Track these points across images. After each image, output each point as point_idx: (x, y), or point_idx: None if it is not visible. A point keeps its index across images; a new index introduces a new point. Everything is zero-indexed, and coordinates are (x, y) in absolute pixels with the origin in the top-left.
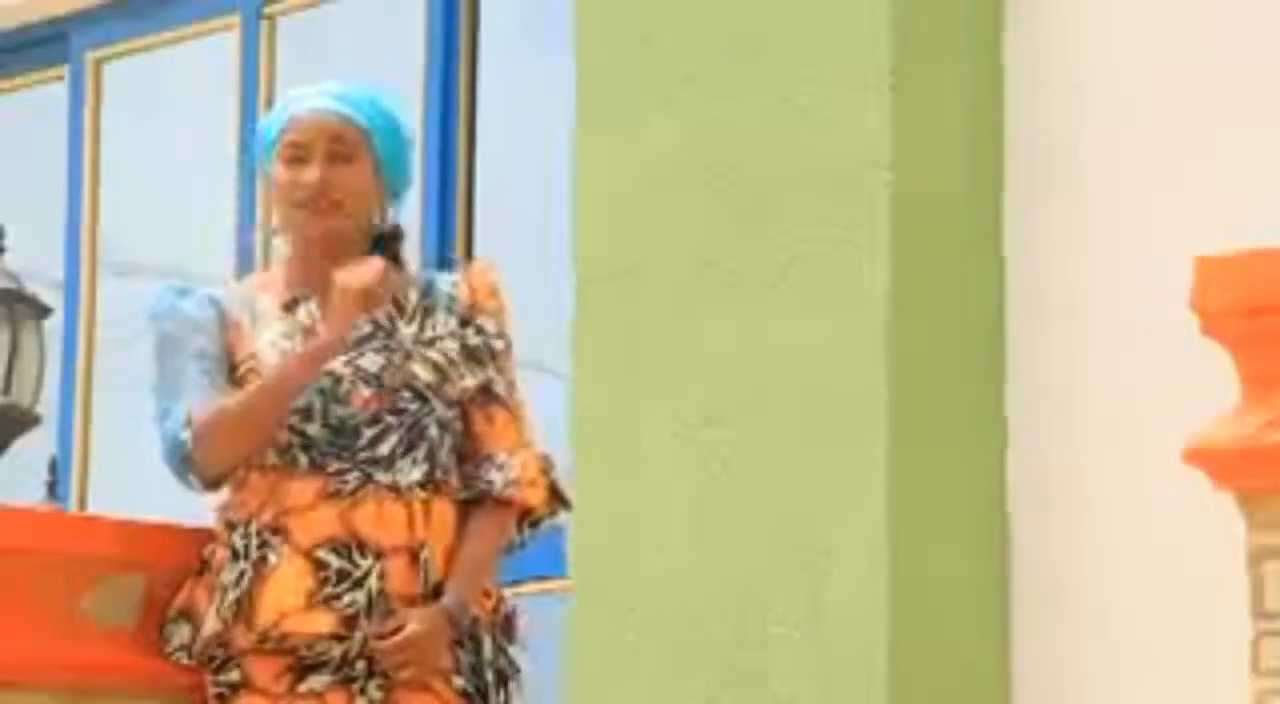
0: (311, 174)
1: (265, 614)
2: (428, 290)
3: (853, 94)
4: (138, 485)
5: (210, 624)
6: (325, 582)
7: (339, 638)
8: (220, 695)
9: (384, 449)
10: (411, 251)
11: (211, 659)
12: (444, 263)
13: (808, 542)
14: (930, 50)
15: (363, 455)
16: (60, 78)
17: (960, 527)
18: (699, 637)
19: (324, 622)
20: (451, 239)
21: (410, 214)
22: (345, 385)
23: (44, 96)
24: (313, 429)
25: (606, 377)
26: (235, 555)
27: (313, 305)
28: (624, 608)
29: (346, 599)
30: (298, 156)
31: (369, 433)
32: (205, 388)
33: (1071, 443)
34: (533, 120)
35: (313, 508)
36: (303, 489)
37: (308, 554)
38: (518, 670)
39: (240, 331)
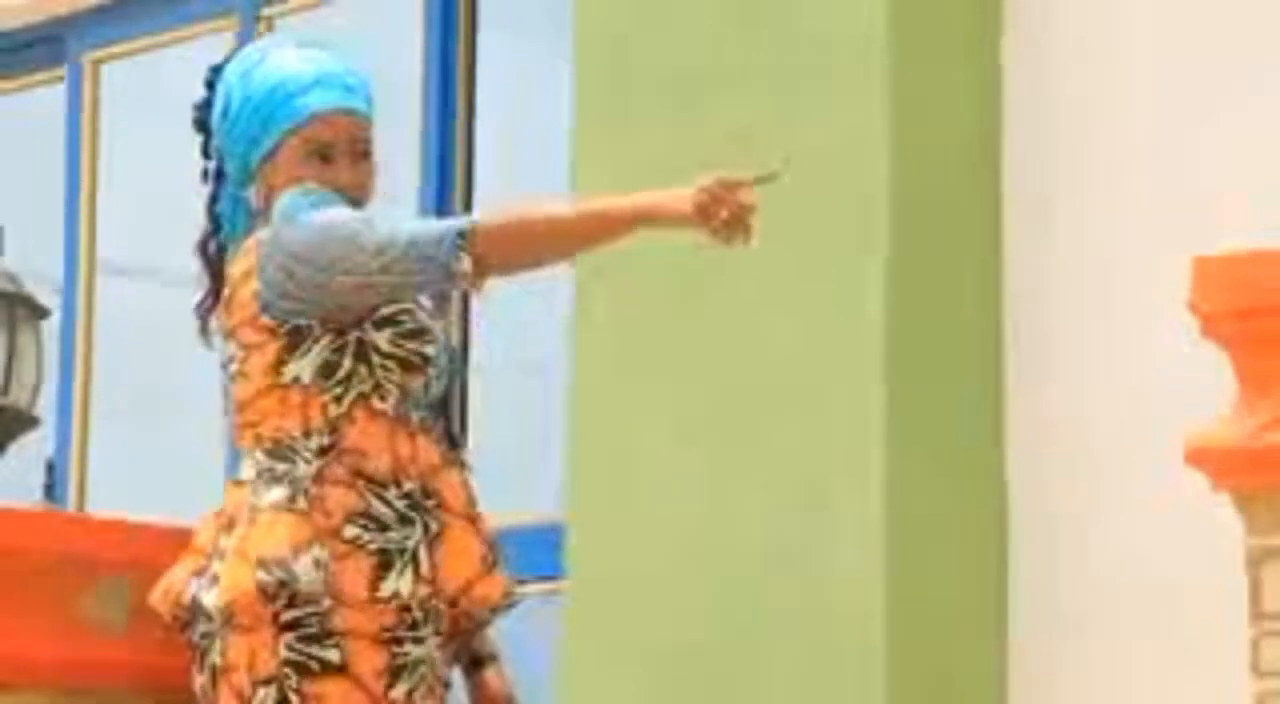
0: (340, 178)
1: (451, 580)
2: None
3: (852, 94)
4: (135, 487)
5: (409, 582)
6: (489, 546)
7: (419, 640)
8: (304, 667)
9: (455, 426)
10: None
11: (304, 623)
12: None
13: (805, 543)
14: (929, 51)
15: (444, 428)
16: (58, 79)
17: (958, 527)
18: (697, 638)
19: (498, 587)
20: None
21: (409, 214)
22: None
23: (42, 98)
24: (435, 388)
25: (604, 377)
26: (382, 517)
27: None
28: (621, 609)
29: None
30: (323, 157)
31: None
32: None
33: (1070, 444)
34: (531, 121)
35: (446, 470)
36: (428, 448)
37: (464, 516)
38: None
39: None
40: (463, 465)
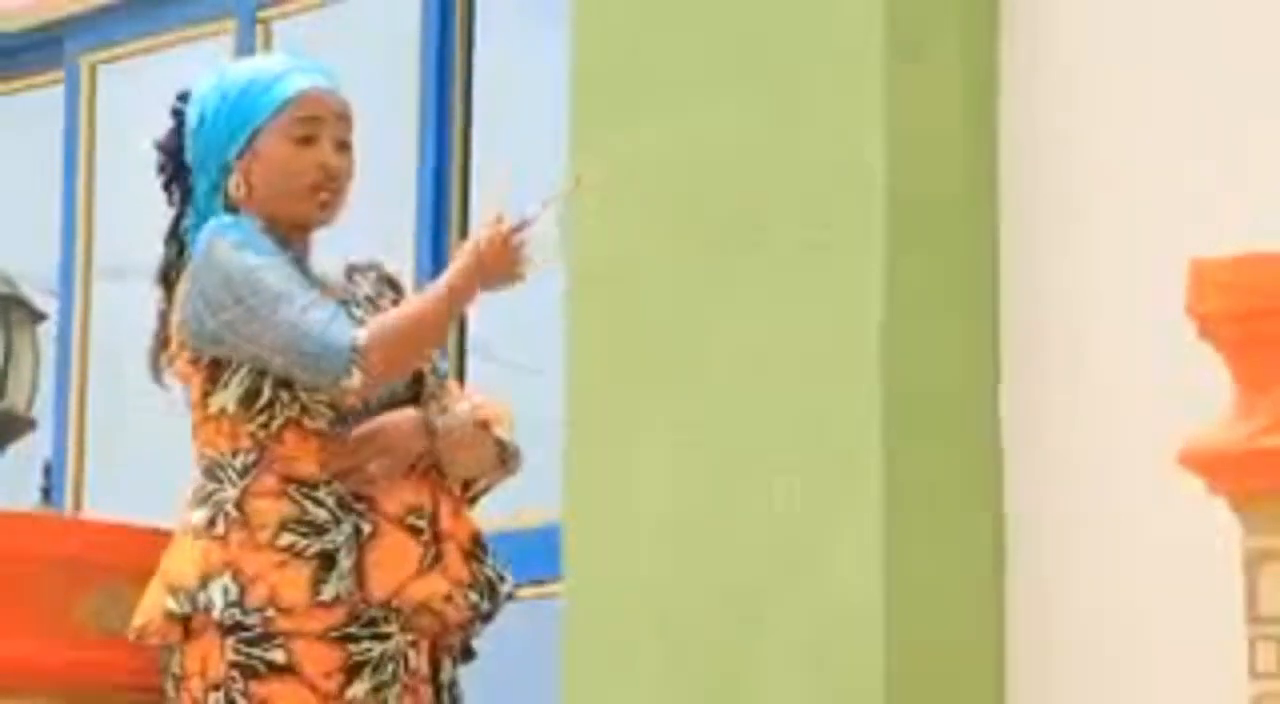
0: (327, 159)
1: (381, 585)
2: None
3: (848, 95)
4: (132, 490)
5: (280, 591)
6: (428, 546)
7: (381, 637)
8: (250, 669)
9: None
10: (409, 252)
11: (245, 626)
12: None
13: (804, 544)
14: (926, 51)
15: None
16: (56, 81)
17: (956, 528)
18: (695, 639)
19: (440, 584)
20: (446, 240)
21: (406, 215)
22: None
23: (39, 100)
24: (381, 394)
25: (601, 377)
26: (316, 519)
27: (320, 262)
28: (620, 610)
29: (445, 562)
30: (307, 136)
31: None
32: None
33: (1067, 445)
34: (528, 122)
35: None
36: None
37: (400, 522)
38: (461, 695)
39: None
40: (428, 469)
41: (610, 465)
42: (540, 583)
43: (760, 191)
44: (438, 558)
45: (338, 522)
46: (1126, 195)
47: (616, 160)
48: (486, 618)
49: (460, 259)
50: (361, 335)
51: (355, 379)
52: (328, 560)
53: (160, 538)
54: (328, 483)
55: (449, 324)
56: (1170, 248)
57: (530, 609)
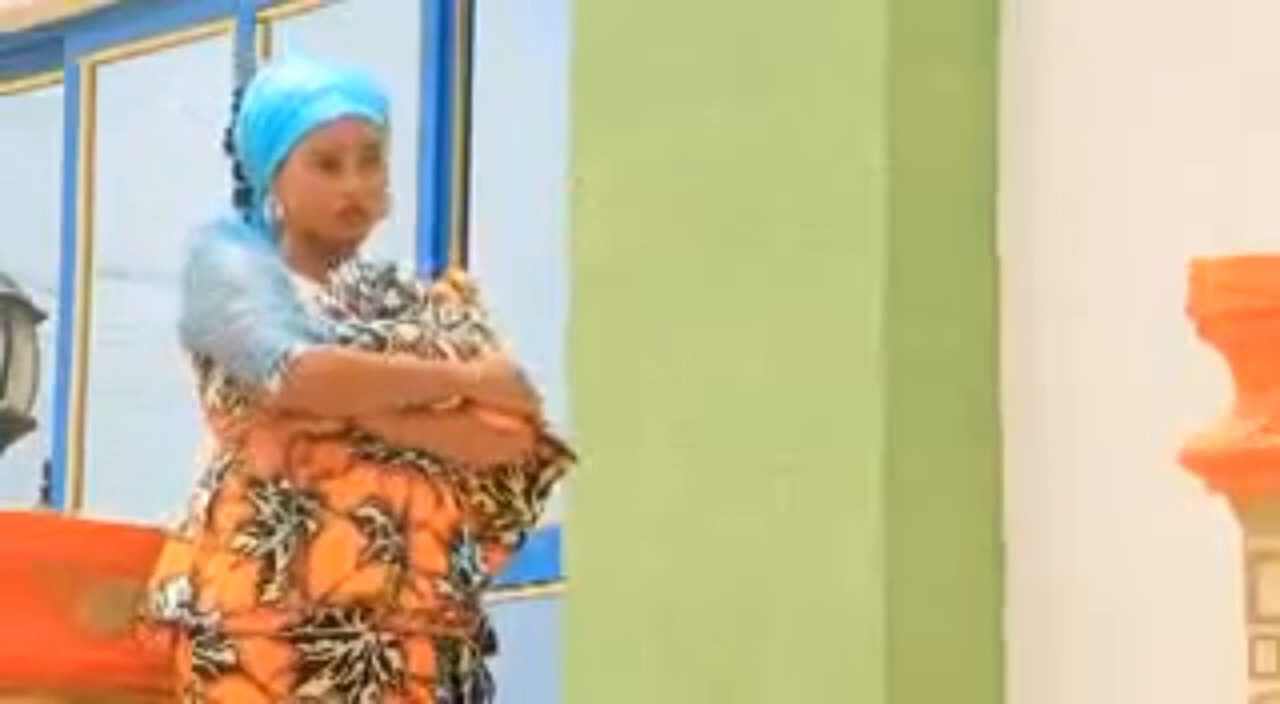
0: (349, 185)
1: (319, 582)
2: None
3: (849, 96)
4: (132, 489)
5: (226, 592)
6: (373, 536)
7: (344, 636)
8: (202, 670)
9: None
10: (408, 253)
11: (203, 628)
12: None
13: (804, 543)
14: (926, 52)
15: None
16: (56, 82)
17: (956, 528)
18: (695, 639)
19: (375, 578)
20: (446, 242)
21: (406, 217)
22: (388, 349)
23: (39, 101)
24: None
25: (602, 377)
26: (266, 520)
27: (354, 268)
28: (621, 610)
29: (391, 553)
30: (330, 164)
31: None
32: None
33: (1067, 445)
34: (528, 123)
35: (348, 471)
36: (333, 451)
37: (350, 516)
38: (493, 687)
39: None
40: (387, 465)
41: (610, 465)
42: (541, 583)
43: (760, 191)
44: (401, 549)
45: (279, 521)
46: (1126, 195)
47: (617, 161)
48: (465, 606)
49: (489, 365)
50: (300, 348)
51: (274, 384)
52: (272, 561)
53: (161, 538)
54: (276, 482)
55: (412, 393)
56: (1170, 248)
57: (531, 609)
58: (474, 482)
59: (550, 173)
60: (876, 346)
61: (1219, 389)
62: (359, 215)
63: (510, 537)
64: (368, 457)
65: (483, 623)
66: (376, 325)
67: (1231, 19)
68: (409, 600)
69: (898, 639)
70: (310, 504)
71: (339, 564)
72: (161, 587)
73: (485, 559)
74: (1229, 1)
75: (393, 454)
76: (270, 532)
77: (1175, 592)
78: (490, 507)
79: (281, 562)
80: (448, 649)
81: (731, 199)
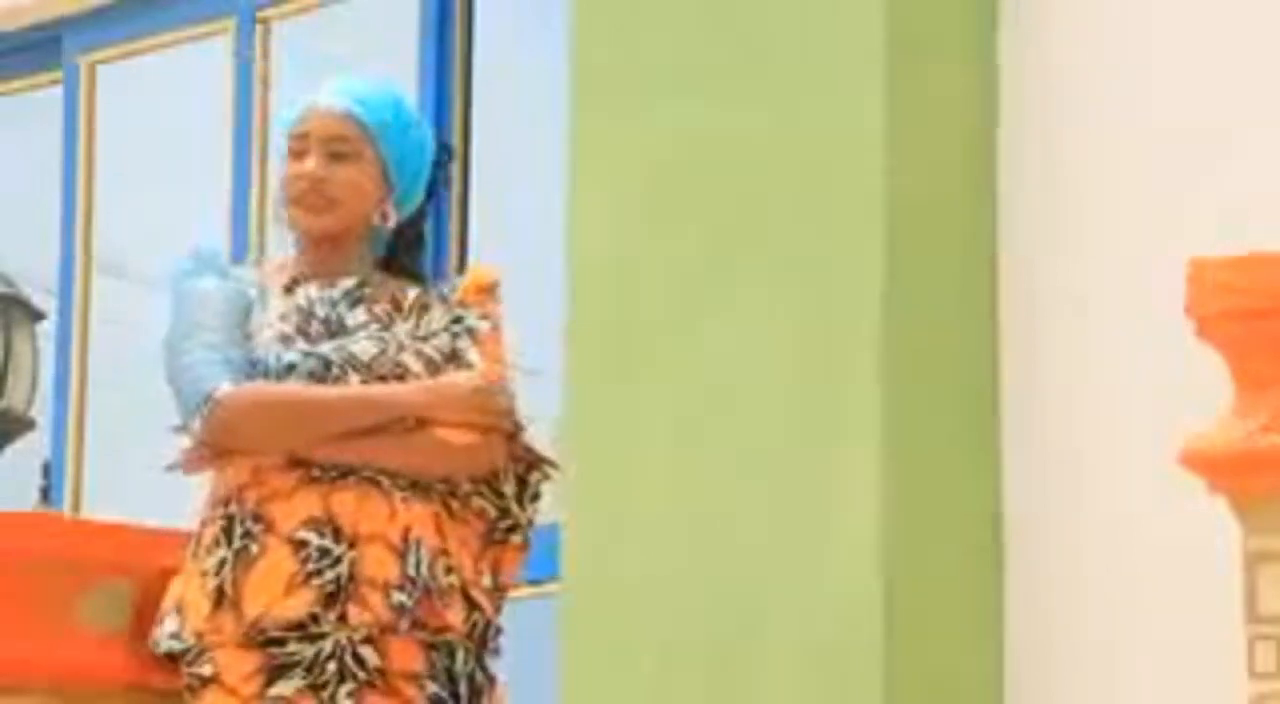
0: (306, 169)
1: (252, 605)
2: (426, 289)
3: (848, 95)
4: (131, 489)
5: (197, 614)
6: (306, 561)
7: (312, 637)
8: (190, 688)
9: None
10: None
11: (188, 649)
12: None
13: (803, 543)
14: (925, 51)
15: None
16: (54, 82)
17: (955, 528)
18: (694, 639)
19: (303, 601)
20: (446, 241)
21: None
22: (335, 371)
23: (38, 100)
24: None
25: (602, 376)
26: (217, 541)
27: (311, 288)
28: (619, 610)
29: (328, 575)
30: (299, 151)
31: None
32: (234, 351)
33: (1067, 445)
34: (527, 122)
35: (293, 494)
36: (284, 475)
37: (289, 539)
38: (493, 682)
39: (252, 310)
40: (333, 484)
41: (610, 465)
42: (540, 583)
43: (760, 190)
44: (353, 563)
45: (218, 545)
46: (1125, 195)
47: (616, 159)
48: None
49: (439, 383)
50: (225, 389)
51: (197, 425)
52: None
53: (160, 538)
54: (225, 504)
55: (332, 423)
56: (1170, 248)
57: (530, 609)
58: (466, 488)
59: (550, 172)
60: (876, 346)
61: (1219, 389)
62: (320, 200)
63: (516, 538)
64: (315, 479)
65: (486, 624)
66: (326, 348)
67: (1231, 18)
68: (355, 615)
69: (897, 639)
70: (256, 528)
71: (270, 588)
72: (161, 620)
73: (499, 565)
74: (1229, 1)
75: (346, 473)
76: (220, 554)
77: (1175, 592)
78: (491, 511)
79: (214, 584)
80: (442, 647)
81: (731, 198)
